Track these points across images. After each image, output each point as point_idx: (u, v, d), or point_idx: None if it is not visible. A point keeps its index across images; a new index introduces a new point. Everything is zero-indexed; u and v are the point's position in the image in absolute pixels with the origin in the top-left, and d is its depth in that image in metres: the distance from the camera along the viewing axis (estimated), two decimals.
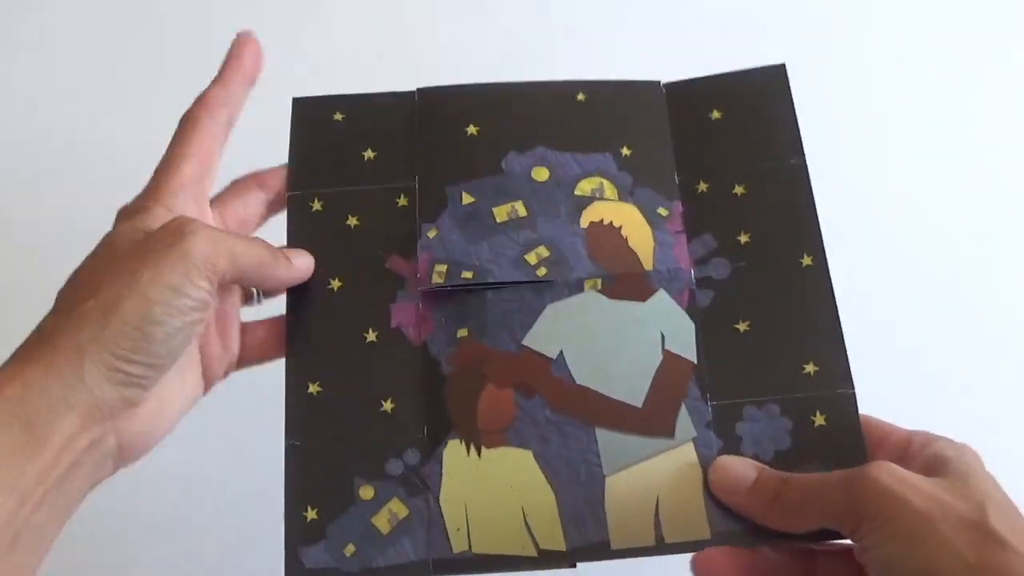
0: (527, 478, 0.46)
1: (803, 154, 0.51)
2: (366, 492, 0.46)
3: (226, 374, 0.48)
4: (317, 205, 0.51)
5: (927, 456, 0.41)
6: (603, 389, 0.47)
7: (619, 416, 0.46)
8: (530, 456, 0.46)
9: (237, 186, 0.50)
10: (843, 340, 0.47)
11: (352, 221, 0.51)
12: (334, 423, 0.47)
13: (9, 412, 0.37)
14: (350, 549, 0.45)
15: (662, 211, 0.50)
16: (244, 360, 0.49)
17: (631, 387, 0.46)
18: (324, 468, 0.47)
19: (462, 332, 0.48)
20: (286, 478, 0.46)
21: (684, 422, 0.46)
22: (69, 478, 0.38)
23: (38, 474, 0.37)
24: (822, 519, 0.41)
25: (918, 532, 0.37)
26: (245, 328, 0.49)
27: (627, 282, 0.48)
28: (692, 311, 0.48)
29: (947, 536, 0.37)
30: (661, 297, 0.48)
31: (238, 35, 0.49)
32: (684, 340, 0.48)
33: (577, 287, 0.48)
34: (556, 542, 0.45)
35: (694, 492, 0.45)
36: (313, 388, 0.48)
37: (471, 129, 0.52)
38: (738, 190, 0.51)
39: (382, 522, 0.46)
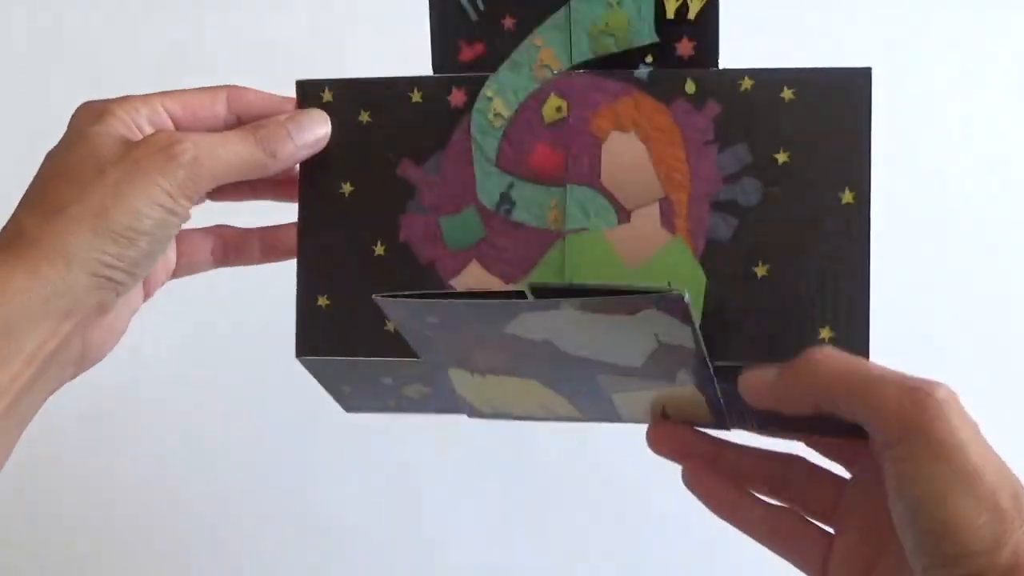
0: (535, 392, 0.46)
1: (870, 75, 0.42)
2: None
3: (162, 283, 0.48)
4: (328, 96, 0.48)
5: None
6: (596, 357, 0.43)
7: (616, 370, 0.43)
8: (535, 382, 0.45)
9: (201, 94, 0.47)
10: (868, 306, 0.41)
11: (364, 117, 0.47)
12: (340, 340, 0.47)
13: None
14: None
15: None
16: (180, 270, 0.48)
17: (628, 356, 0.43)
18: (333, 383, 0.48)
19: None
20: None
21: (684, 376, 0.43)
22: (36, 384, 0.39)
23: (8, 381, 0.38)
24: (859, 414, 0.37)
25: (964, 484, 0.34)
26: (182, 236, 0.47)
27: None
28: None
29: (986, 500, 0.34)
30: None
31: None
32: (692, 296, 0.42)
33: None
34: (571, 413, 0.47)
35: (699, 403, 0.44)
36: (322, 301, 0.47)
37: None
38: (786, 93, 0.43)
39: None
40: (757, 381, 0.41)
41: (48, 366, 0.39)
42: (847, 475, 0.45)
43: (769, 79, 0.43)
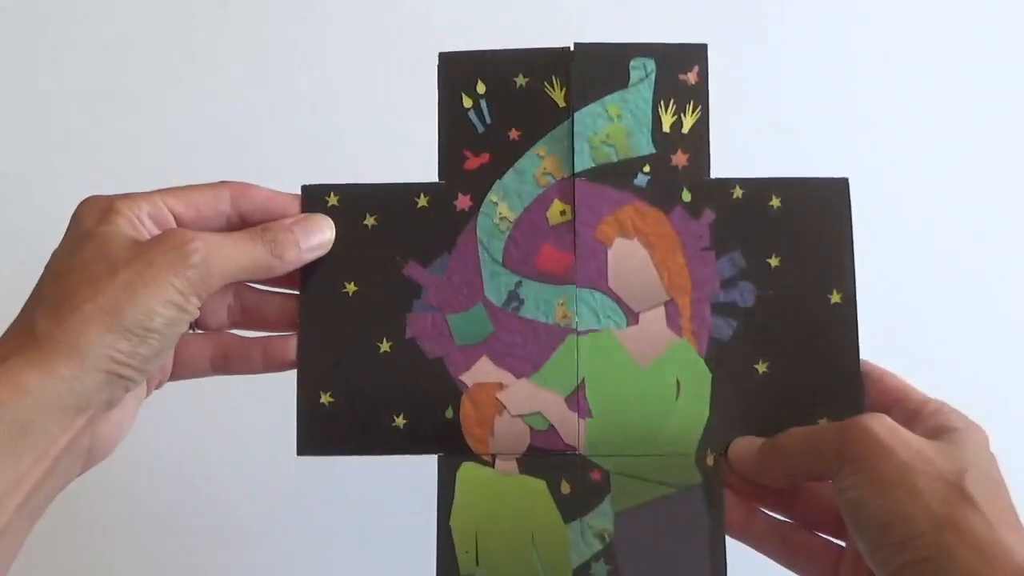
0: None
1: (847, 186, 0.47)
2: None
3: (160, 384, 0.48)
4: (333, 200, 0.49)
5: (935, 422, 0.43)
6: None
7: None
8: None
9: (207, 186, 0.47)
10: (862, 395, 0.46)
11: (369, 221, 0.49)
12: (345, 437, 0.48)
13: (1, 419, 0.37)
14: None
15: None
16: (178, 372, 0.48)
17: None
18: None
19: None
20: None
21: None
22: (46, 481, 0.39)
23: (19, 479, 0.38)
24: (812, 463, 0.42)
25: (894, 480, 0.39)
26: (183, 341, 0.48)
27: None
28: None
29: (920, 488, 0.38)
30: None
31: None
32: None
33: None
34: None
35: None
36: (325, 398, 0.48)
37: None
38: (774, 202, 0.47)
39: None
40: (745, 447, 0.45)
41: (59, 462, 0.40)
42: None
43: (757, 188, 0.47)
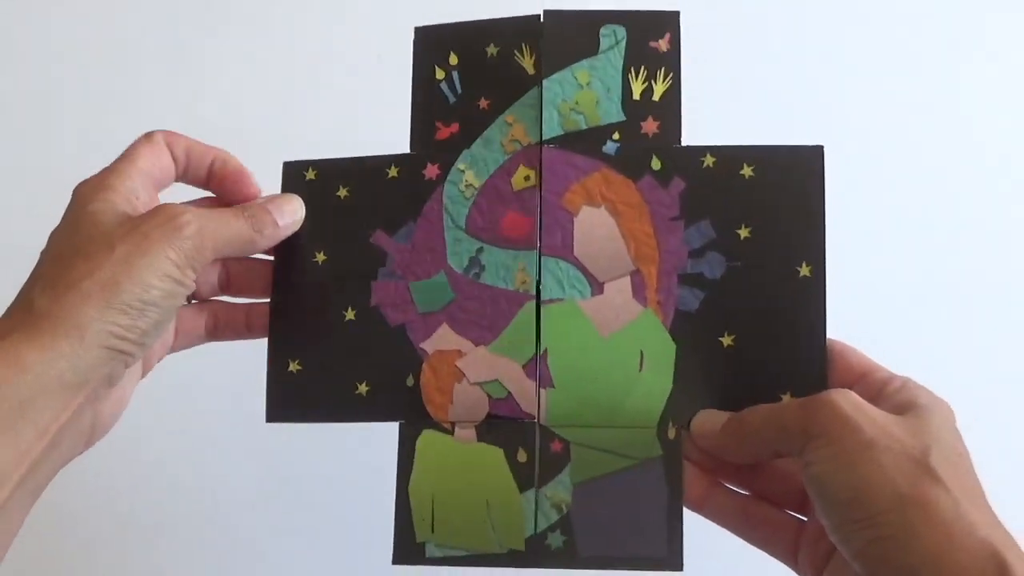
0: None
1: (822, 152, 0.45)
2: None
3: (160, 358, 0.48)
4: (311, 174, 0.50)
5: (901, 398, 0.42)
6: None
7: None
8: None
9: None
10: (826, 372, 0.44)
11: (342, 192, 0.49)
12: (311, 404, 0.48)
13: (2, 396, 0.37)
14: None
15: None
16: (176, 344, 0.49)
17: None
18: None
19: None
20: None
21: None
22: (48, 457, 0.40)
23: (20, 456, 0.38)
24: (776, 440, 0.42)
25: (858, 455, 0.38)
26: (179, 312, 0.48)
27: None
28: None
29: (884, 464, 0.38)
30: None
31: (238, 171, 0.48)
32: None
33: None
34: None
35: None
36: (293, 366, 0.48)
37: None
38: (746, 170, 0.46)
39: None
40: (708, 422, 0.45)
41: (61, 439, 0.40)
42: None
43: (729, 156, 0.46)
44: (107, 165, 0.45)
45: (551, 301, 0.46)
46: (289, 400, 0.48)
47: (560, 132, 0.47)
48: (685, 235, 0.46)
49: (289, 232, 0.48)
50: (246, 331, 0.50)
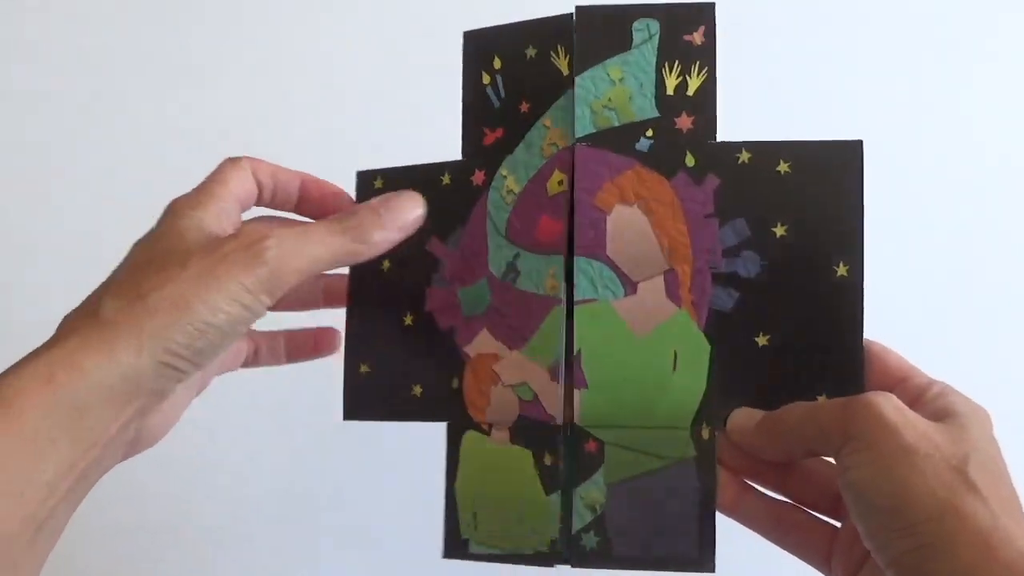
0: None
1: (861, 147, 0.44)
2: None
3: (216, 375, 0.49)
4: (379, 183, 0.51)
5: (939, 405, 0.41)
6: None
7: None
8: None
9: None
10: (863, 373, 0.44)
11: None
12: (377, 404, 0.51)
13: (59, 400, 0.37)
14: None
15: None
16: (226, 366, 0.50)
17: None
18: None
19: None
20: None
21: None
22: (92, 467, 0.39)
23: (70, 465, 0.38)
24: (813, 439, 0.41)
25: (898, 462, 0.38)
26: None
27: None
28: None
29: (925, 472, 0.37)
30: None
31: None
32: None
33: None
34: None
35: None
36: (364, 368, 0.51)
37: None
38: (783, 167, 0.45)
39: None
40: (744, 419, 0.44)
41: (106, 450, 0.40)
42: None
43: (766, 152, 0.45)
44: (198, 185, 0.45)
45: (584, 301, 0.46)
46: (361, 400, 0.51)
47: (593, 130, 0.46)
48: (720, 233, 0.45)
49: (404, 235, 0.46)
50: (285, 358, 0.52)
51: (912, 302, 0.68)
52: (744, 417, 0.44)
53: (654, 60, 0.46)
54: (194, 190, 0.44)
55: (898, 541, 0.37)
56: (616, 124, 0.46)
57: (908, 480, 0.37)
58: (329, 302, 0.52)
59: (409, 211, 0.46)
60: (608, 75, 0.46)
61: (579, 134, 0.46)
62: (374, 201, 0.45)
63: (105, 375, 0.38)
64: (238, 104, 0.77)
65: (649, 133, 0.46)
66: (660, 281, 0.46)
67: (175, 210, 0.43)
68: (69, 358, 0.37)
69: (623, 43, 0.46)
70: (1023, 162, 0.71)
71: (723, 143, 0.46)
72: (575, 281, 0.46)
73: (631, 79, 0.46)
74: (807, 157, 0.45)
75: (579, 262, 0.46)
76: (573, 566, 0.46)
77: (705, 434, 0.45)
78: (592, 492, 0.46)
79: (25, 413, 0.36)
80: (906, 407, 0.39)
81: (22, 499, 0.36)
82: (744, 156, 0.45)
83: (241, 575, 0.73)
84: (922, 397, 0.42)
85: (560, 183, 0.47)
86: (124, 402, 0.39)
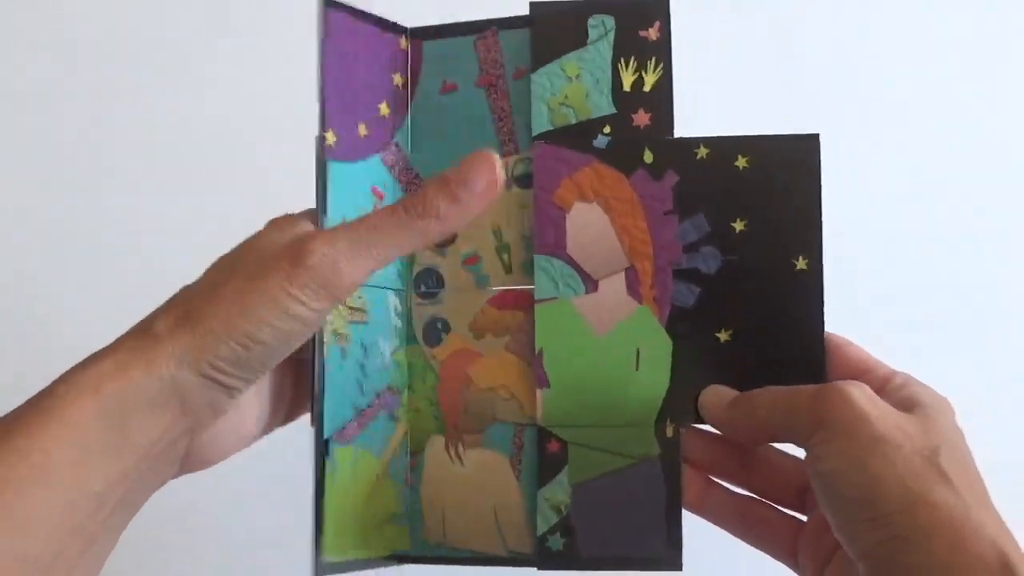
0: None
1: (818, 141, 0.44)
2: None
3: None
4: None
5: (903, 395, 0.41)
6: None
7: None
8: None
9: None
10: (825, 367, 0.44)
11: None
12: None
13: (106, 409, 0.36)
14: None
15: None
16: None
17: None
18: None
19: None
20: None
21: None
22: (143, 480, 0.38)
23: (119, 476, 0.37)
24: (784, 423, 0.41)
25: (870, 452, 0.37)
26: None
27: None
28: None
29: (895, 462, 0.37)
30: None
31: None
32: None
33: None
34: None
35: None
36: None
37: None
38: (740, 161, 0.45)
39: None
40: (716, 396, 0.44)
41: (157, 463, 0.38)
42: None
43: (723, 147, 0.45)
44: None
45: (544, 300, 0.46)
46: None
47: (550, 127, 0.46)
48: (679, 229, 0.45)
49: (483, 203, 0.39)
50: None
51: (872, 294, 0.69)
52: (716, 394, 0.44)
53: (610, 56, 0.46)
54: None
55: (869, 532, 0.37)
56: (573, 121, 0.46)
57: (879, 470, 0.37)
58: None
59: (481, 176, 0.38)
60: (564, 71, 0.46)
61: (536, 131, 0.46)
62: (446, 172, 0.39)
63: (150, 387, 0.37)
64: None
65: (607, 130, 0.46)
66: (621, 278, 0.45)
67: (265, 228, 0.41)
68: (116, 369, 0.37)
69: (579, 39, 0.46)
70: (984, 150, 0.72)
71: (681, 139, 0.45)
72: (535, 280, 0.46)
73: (587, 76, 0.46)
74: (765, 151, 0.45)
75: (539, 260, 0.46)
76: (539, 568, 0.45)
77: (669, 432, 0.45)
78: (557, 493, 0.45)
79: (75, 422, 0.36)
80: (877, 398, 0.39)
81: (74, 507, 0.36)
82: (702, 151, 0.45)
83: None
84: (885, 388, 0.42)
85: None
86: (173, 415, 0.38)
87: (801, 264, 0.44)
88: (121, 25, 0.78)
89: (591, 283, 0.46)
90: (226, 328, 0.37)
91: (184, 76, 0.77)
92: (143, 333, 0.38)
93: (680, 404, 0.45)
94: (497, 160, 0.38)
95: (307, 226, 0.41)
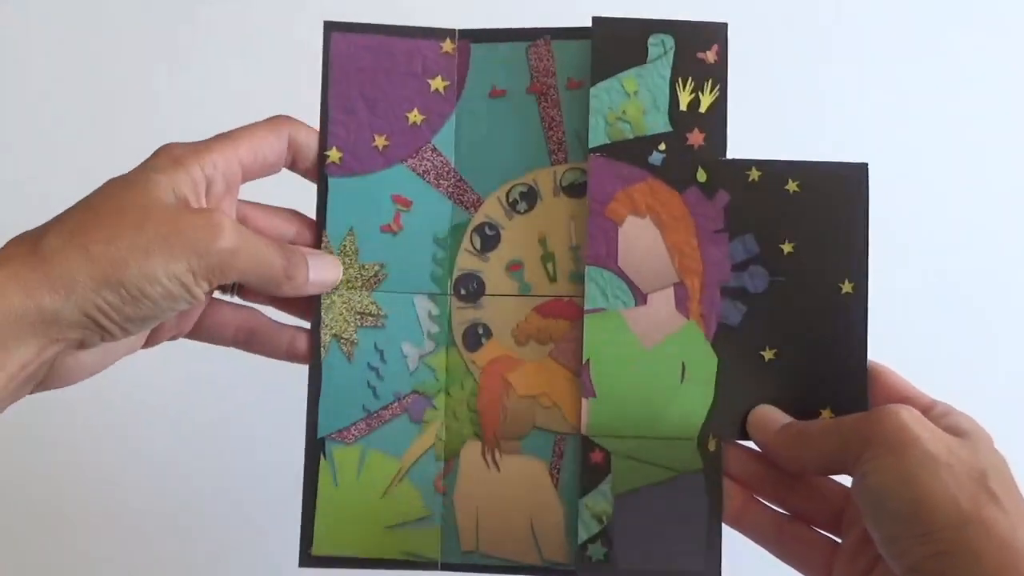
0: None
1: (867, 170, 0.46)
2: None
3: (173, 338, 0.47)
4: None
5: (946, 423, 0.42)
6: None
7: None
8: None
9: (279, 212, 0.48)
10: (867, 390, 0.45)
11: None
12: None
13: None
14: None
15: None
16: (196, 334, 0.47)
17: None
18: None
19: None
20: None
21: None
22: (2, 400, 0.39)
23: None
24: (834, 451, 0.41)
25: (920, 469, 0.38)
26: (210, 304, 0.47)
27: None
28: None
29: (947, 480, 0.38)
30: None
31: None
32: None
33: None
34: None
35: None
36: None
37: None
38: (791, 185, 0.46)
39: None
40: (766, 418, 0.45)
41: (21, 384, 0.39)
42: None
43: (775, 170, 0.46)
44: (212, 137, 0.44)
45: (594, 311, 0.46)
46: None
47: (606, 140, 0.47)
48: (729, 248, 0.46)
49: (316, 291, 0.47)
50: (284, 354, 0.48)
51: (914, 321, 0.70)
52: (766, 417, 0.45)
53: (668, 75, 0.47)
54: (196, 143, 0.43)
55: (917, 547, 0.37)
56: (630, 136, 0.47)
57: (930, 487, 0.37)
58: (292, 356, 0.49)
59: (327, 271, 0.47)
60: (623, 87, 0.47)
61: (592, 144, 0.47)
62: (305, 249, 0.46)
63: (27, 315, 0.37)
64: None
65: (662, 147, 0.47)
66: (670, 293, 0.46)
67: (160, 157, 0.42)
68: None
69: (639, 56, 0.47)
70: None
71: (734, 160, 0.46)
72: (585, 290, 0.46)
73: (645, 93, 0.47)
74: (815, 177, 0.46)
75: (590, 271, 0.46)
76: None
77: (712, 446, 0.45)
78: (599, 503, 0.46)
79: None
80: (924, 418, 0.40)
81: None
82: (754, 174, 0.46)
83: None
84: (928, 416, 0.42)
85: None
86: (44, 344, 0.38)
87: (847, 288, 0.45)
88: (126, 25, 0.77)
89: (640, 296, 0.46)
90: (123, 275, 0.38)
91: (191, 79, 0.77)
92: (31, 248, 0.38)
93: (723, 419, 0.46)
94: (339, 266, 0.47)
95: (214, 183, 0.43)
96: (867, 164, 0.46)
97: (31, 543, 0.68)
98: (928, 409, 0.43)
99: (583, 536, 0.46)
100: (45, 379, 0.41)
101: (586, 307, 0.46)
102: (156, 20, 0.77)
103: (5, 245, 0.39)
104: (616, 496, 0.46)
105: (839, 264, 0.45)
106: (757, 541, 0.47)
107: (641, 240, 0.46)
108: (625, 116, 0.47)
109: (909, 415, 0.40)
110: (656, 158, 0.47)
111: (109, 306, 0.38)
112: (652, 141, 0.47)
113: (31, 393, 0.41)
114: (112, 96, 0.76)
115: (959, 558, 0.37)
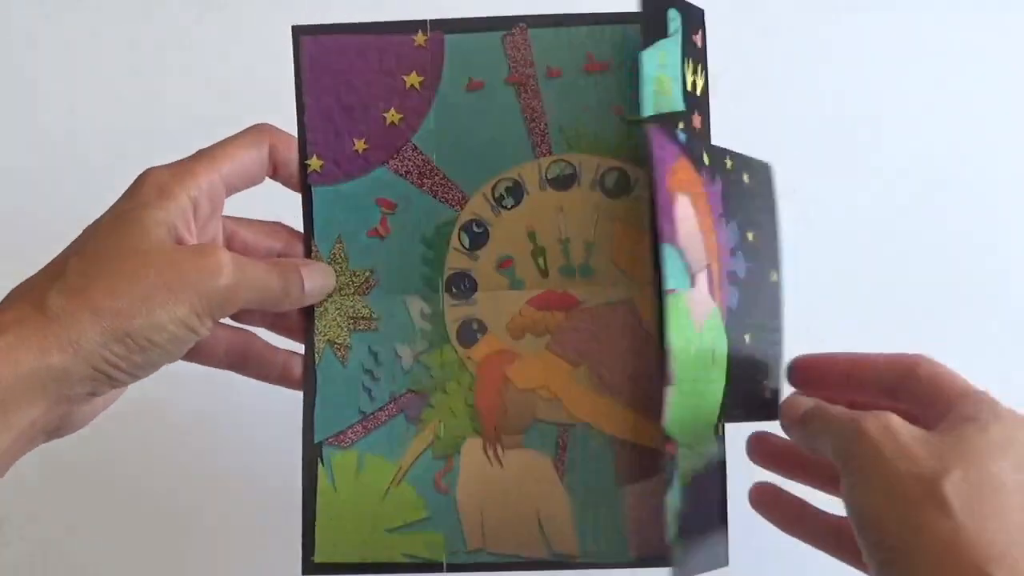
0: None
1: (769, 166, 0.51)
2: None
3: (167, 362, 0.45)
4: None
5: (961, 412, 0.40)
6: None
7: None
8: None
9: (264, 225, 0.49)
10: (779, 376, 0.48)
11: None
12: None
13: None
14: None
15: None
16: (188, 357, 0.45)
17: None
18: None
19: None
20: None
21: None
22: (13, 453, 0.39)
23: None
24: (829, 448, 0.41)
25: (874, 480, 0.38)
26: None
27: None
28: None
29: (893, 488, 0.37)
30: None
31: None
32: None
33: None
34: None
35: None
36: None
37: None
38: (745, 178, 0.49)
39: None
40: (797, 405, 0.45)
41: (26, 436, 0.39)
42: None
43: (738, 162, 0.48)
44: (191, 156, 0.44)
45: (671, 292, 0.42)
46: None
47: (653, 112, 0.43)
48: (728, 233, 0.47)
49: (313, 300, 0.48)
50: (277, 378, 0.49)
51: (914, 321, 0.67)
52: (792, 404, 0.45)
53: (679, 53, 0.45)
54: (176, 165, 0.43)
55: (873, 556, 0.38)
56: (665, 111, 0.44)
57: (878, 497, 0.38)
58: (285, 381, 0.49)
59: (323, 279, 0.48)
60: (659, 59, 0.44)
61: (645, 113, 0.43)
62: (297, 260, 0.48)
63: (37, 376, 0.38)
64: None
65: (681, 126, 0.45)
66: (704, 276, 0.45)
67: (146, 197, 0.42)
68: (6, 351, 0.37)
69: (664, 29, 0.45)
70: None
71: (720, 147, 0.47)
72: (664, 269, 0.42)
73: (671, 68, 0.45)
74: (754, 171, 0.49)
75: (665, 249, 0.42)
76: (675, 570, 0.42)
77: (720, 430, 0.46)
78: (675, 498, 0.42)
79: None
80: (899, 423, 0.39)
81: None
82: (729, 163, 0.48)
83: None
84: (954, 405, 0.41)
85: None
86: (54, 401, 0.39)
87: (773, 276, 0.49)
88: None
89: (691, 277, 0.44)
90: (129, 327, 0.39)
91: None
92: (35, 308, 0.39)
93: (730, 404, 0.46)
94: (332, 273, 0.48)
95: (200, 207, 0.43)
96: (769, 164, 0.50)
97: (31, 544, 0.65)
98: (959, 397, 0.41)
99: (673, 532, 0.41)
100: (56, 430, 0.42)
101: (665, 288, 0.42)
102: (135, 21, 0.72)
103: (6, 300, 0.40)
104: (683, 488, 0.43)
105: (770, 253, 0.49)
106: (818, 547, 0.47)
107: (687, 220, 0.44)
108: (662, 89, 0.44)
109: (875, 425, 0.39)
110: (681, 136, 0.45)
111: (117, 357, 0.40)
112: (675, 118, 0.45)
113: (45, 442, 0.42)
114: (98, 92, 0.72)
115: (899, 566, 0.37)
